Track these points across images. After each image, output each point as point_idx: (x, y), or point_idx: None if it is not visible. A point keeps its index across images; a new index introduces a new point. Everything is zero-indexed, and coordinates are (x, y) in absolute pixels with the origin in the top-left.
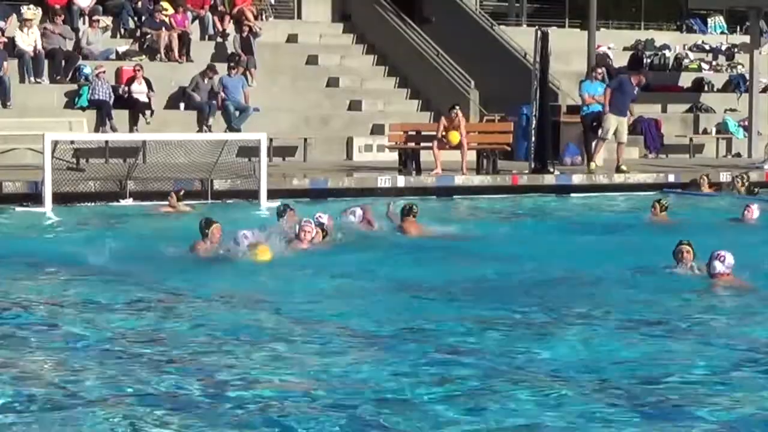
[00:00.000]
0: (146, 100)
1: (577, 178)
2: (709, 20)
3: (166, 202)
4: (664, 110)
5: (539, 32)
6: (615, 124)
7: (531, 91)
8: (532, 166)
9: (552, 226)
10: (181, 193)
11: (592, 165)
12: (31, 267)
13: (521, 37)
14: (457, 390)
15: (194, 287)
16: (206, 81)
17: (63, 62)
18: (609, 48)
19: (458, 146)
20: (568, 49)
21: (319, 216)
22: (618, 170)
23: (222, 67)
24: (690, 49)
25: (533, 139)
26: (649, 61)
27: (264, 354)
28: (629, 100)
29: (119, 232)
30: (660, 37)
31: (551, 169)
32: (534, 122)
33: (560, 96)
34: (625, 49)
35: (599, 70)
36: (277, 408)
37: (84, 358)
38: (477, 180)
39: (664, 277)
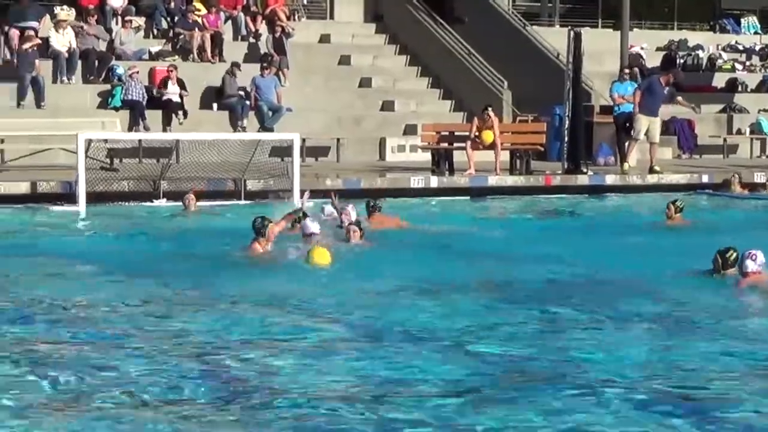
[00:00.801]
0: (179, 100)
1: (610, 179)
2: (742, 20)
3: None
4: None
5: (572, 32)
6: (646, 124)
7: (564, 92)
8: (566, 166)
9: (585, 226)
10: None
11: (626, 165)
12: (65, 266)
13: (554, 38)
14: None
15: (246, 289)
16: (233, 79)
17: (96, 62)
18: (642, 48)
19: (491, 146)
20: (601, 49)
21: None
22: (651, 171)
23: (255, 68)
24: (723, 49)
25: (566, 139)
26: (682, 61)
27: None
28: (659, 101)
29: (150, 232)
30: (693, 37)
31: (584, 170)
32: (567, 122)
33: (593, 96)
34: (658, 49)
35: (626, 70)
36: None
37: (124, 356)
38: (510, 180)
39: (694, 278)
